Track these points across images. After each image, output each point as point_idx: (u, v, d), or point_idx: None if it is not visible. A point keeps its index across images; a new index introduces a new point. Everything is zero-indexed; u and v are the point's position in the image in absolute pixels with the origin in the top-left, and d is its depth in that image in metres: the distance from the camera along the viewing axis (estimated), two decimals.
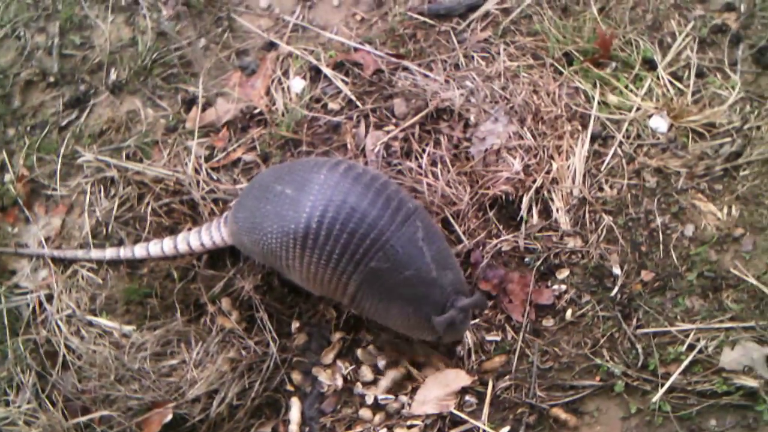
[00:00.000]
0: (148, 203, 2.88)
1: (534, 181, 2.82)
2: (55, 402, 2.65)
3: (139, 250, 2.76)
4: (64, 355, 2.71)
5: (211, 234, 2.67)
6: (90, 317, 2.76)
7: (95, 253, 2.81)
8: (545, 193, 2.83)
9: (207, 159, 2.96)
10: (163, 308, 2.75)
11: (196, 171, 2.91)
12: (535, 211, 2.84)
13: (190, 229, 2.81)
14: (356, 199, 2.33)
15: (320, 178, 2.36)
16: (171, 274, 2.77)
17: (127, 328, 2.73)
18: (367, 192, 2.36)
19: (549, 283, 2.75)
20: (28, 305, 2.80)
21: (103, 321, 2.76)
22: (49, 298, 2.80)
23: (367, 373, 2.68)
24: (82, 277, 2.81)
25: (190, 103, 3.10)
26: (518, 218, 2.81)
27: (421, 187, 2.80)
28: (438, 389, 2.61)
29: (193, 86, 3.11)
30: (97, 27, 3.27)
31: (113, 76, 3.16)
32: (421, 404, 2.60)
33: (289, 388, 2.72)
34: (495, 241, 2.78)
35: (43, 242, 2.90)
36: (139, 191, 2.90)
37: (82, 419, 2.62)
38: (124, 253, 2.78)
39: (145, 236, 2.83)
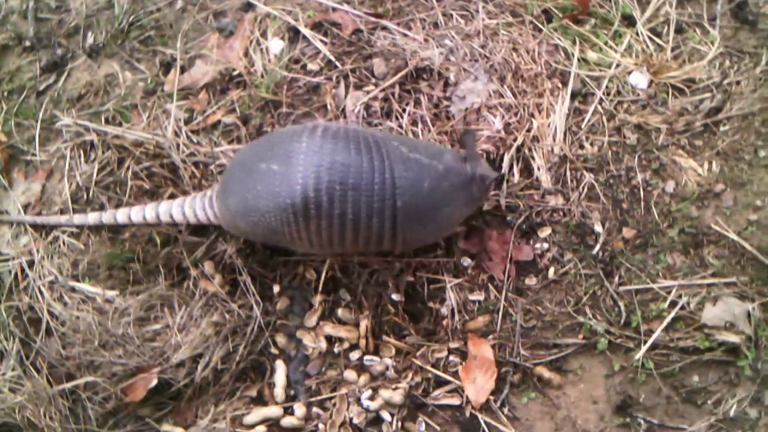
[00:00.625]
0: (128, 167, 2.85)
1: (515, 140, 2.80)
2: (40, 369, 2.64)
3: (121, 216, 2.73)
4: (47, 322, 2.70)
5: (195, 211, 2.63)
6: (72, 283, 2.75)
7: (77, 219, 2.79)
8: (526, 151, 2.81)
9: (186, 122, 2.93)
10: (146, 273, 2.74)
11: (176, 134, 2.87)
12: (516, 169, 2.83)
13: (172, 197, 2.78)
14: (343, 155, 2.32)
15: (302, 146, 2.33)
16: (153, 238, 2.75)
17: (110, 293, 2.71)
18: (349, 144, 2.35)
19: (530, 241, 2.74)
20: (10, 272, 2.77)
21: (85, 286, 2.74)
22: (31, 264, 2.78)
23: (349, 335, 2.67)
24: (64, 243, 2.79)
25: (168, 65, 3.06)
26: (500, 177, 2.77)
27: None
28: None
29: (171, 49, 3.08)
30: None
31: (90, 39, 3.13)
32: None
33: (274, 351, 2.73)
34: None
35: (20, 209, 2.89)
36: (119, 155, 2.87)
37: (67, 386, 2.62)
38: (105, 218, 2.75)
39: (126, 200, 2.81)
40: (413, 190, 2.37)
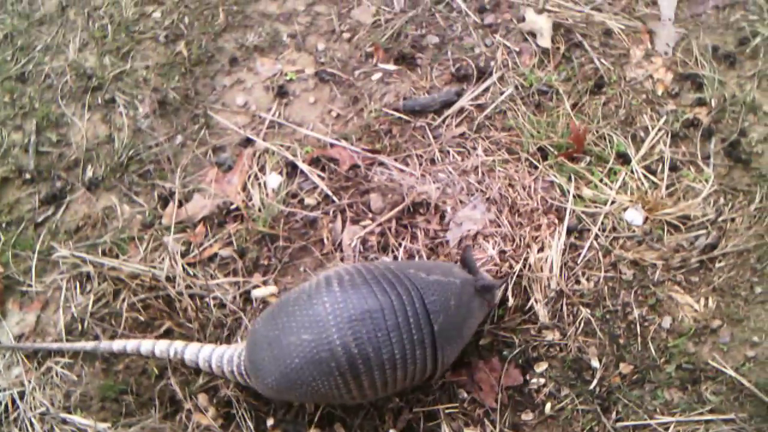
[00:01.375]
0: (124, 299, 2.94)
1: (510, 267, 2.92)
2: None
3: (144, 347, 2.83)
4: None
5: (223, 369, 2.72)
6: (64, 414, 2.80)
7: (104, 345, 2.87)
8: (524, 284, 2.89)
9: (183, 255, 3.04)
10: (139, 405, 2.80)
11: (172, 267, 2.97)
12: (511, 301, 2.90)
13: (168, 330, 2.93)
14: (371, 300, 2.37)
15: (326, 307, 2.35)
16: (147, 370, 2.82)
17: (102, 426, 2.76)
18: (371, 287, 2.43)
19: (526, 375, 2.79)
20: (0, 403, 2.83)
21: (77, 418, 2.79)
22: (22, 395, 2.84)
23: None
24: (56, 374, 2.86)
25: (166, 199, 3.20)
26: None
27: None
28: None
29: (170, 182, 3.21)
30: (73, 124, 3.38)
31: (89, 172, 3.26)
32: None
33: None
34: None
35: (11, 338, 2.96)
36: (115, 287, 2.97)
37: None
38: (130, 346, 2.83)
39: (120, 332, 2.89)
40: (445, 311, 2.47)
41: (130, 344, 2.82)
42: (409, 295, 2.43)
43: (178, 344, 2.79)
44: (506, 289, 2.91)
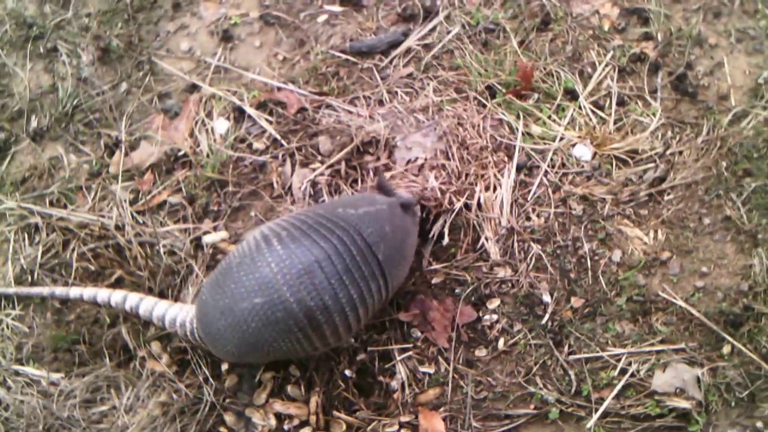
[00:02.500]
0: (73, 249, 2.92)
1: (451, 203, 2.94)
2: None
3: (101, 295, 2.83)
4: None
5: (177, 326, 2.71)
6: (16, 366, 2.80)
7: (59, 291, 2.87)
8: (474, 221, 2.91)
9: (132, 203, 3.04)
10: (92, 354, 2.80)
11: (121, 215, 2.96)
12: (464, 242, 2.93)
13: (119, 279, 2.93)
14: (316, 250, 2.39)
15: (272, 267, 2.35)
16: (99, 319, 2.82)
17: (55, 376, 2.77)
18: (311, 237, 2.44)
19: (478, 311, 2.82)
20: None
21: (30, 370, 2.80)
22: None
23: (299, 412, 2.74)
24: (7, 326, 2.85)
25: (112, 147, 3.19)
26: (429, 236, 2.94)
27: None
28: None
29: (116, 131, 3.19)
30: (15, 75, 3.34)
31: (34, 123, 3.23)
32: None
33: (223, 430, 2.77)
34: (423, 273, 2.88)
35: None
36: (64, 237, 2.96)
37: None
38: (86, 294, 2.84)
39: (71, 282, 2.87)
40: (383, 238, 2.49)
41: (86, 292, 2.82)
42: (348, 234, 2.44)
43: (133, 298, 2.78)
44: (443, 225, 2.94)
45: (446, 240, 2.92)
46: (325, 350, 2.61)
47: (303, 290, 2.32)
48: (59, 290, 2.85)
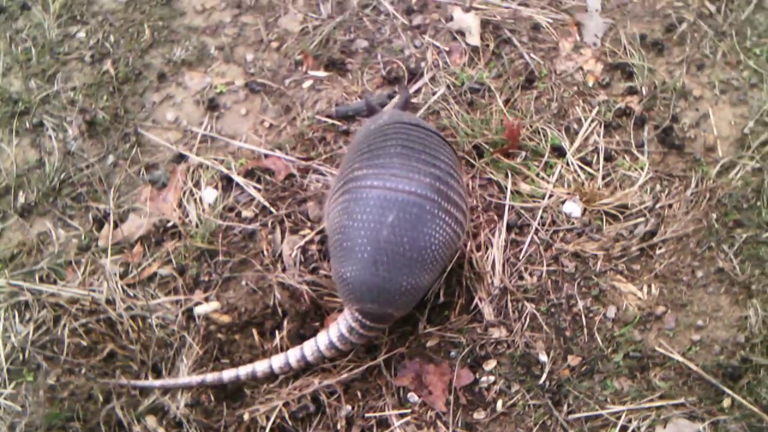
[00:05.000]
0: (64, 325, 2.89)
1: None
2: None
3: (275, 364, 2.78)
4: None
5: (343, 329, 2.71)
6: None
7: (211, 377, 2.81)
8: (467, 283, 2.90)
9: (122, 276, 3.01)
10: (87, 431, 2.74)
11: (112, 289, 2.94)
12: (458, 304, 2.91)
13: (111, 353, 2.88)
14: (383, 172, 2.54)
15: (366, 201, 2.50)
16: (93, 395, 2.77)
17: None
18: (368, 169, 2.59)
19: (475, 373, 2.79)
20: None
21: None
22: None
23: None
24: (0, 406, 2.80)
25: (101, 221, 3.16)
26: (425, 299, 2.87)
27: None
28: None
29: (104, 204, 3.17)
30: (2, 151, 3.34)
31: (21, 198, 3.22)
32: None
33: None
34: (419, 336, 2.84)
35: None
36: (55, 313, 2.92)
37: None
38: (242, 371, 2.79)
39: (63, 359, 2.83)
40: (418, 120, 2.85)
41: (242, 371, 2.78)
42: (395, 130, 2.73)
43: (295, 351, 2.77)
44: (438, 286, 2.90)
45: (441, 299, 2.89)
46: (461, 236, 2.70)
47: (403, 188, 2.47)
48: (210, 377, 2.79)
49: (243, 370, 2.76)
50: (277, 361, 2.76)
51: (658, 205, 3.06)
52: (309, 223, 3.06)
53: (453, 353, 2.84)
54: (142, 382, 2.81)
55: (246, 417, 2.74)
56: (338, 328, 2.70)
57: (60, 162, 3.28)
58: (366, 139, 2.72)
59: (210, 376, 2.77)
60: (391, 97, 3.37)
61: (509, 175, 3.15)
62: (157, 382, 2.80)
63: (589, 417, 2.73)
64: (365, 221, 2.46)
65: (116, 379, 2.78)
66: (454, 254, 2.77)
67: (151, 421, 2.75)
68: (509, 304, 2.92)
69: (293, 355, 2.75)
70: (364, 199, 2.49)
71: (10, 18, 3.72)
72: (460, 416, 2.75)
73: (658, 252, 2.99)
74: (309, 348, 2.74)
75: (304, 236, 3.02)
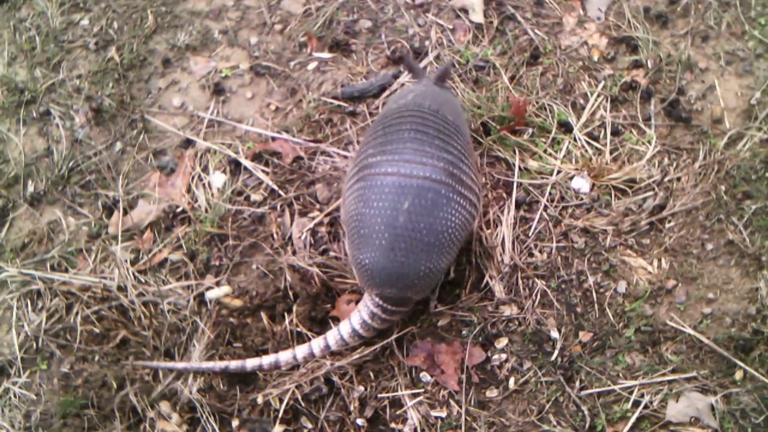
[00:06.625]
0: (77, 313, 2.89)
1: None
2: None
3: (283, 357, 2.80)
4: None
5: (365, 316, 2.73)
6: None
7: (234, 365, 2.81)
8: (477, 261, 2.89)
9: (133, 262, 3.01)
10: (101, 418, 2.75)
11: (123, 276, 2.93)
12: (468, 282, 2.90)
13: (124, 340, 2.88)
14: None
15: (381, 189, 2.51)
16: (107, 382, 2.78)
17: None
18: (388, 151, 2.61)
19: (487, 351, 2.78)
20: None
21: None
22: None
23: None
24: (15, 395, 2.81)
25: (110, 208, 3.16)
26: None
27: (350, 272, 2.89)
28: None
29: (113, 191, 3.16)
30: (9, 140, 3.33)
31: (31, 187, 3.21)
32: None
33: None
34: (430, 316, 2.84)
35: None
36: (67, 301, 2.92)
37: None
38: (266, 361, 2.81)
39: (76, 346, 2.83)
40: (442, 105, 2.80)
41: (265, 360, 2.79)
42: (417, 114, 2.72)
43: (317, 341, 2.79)
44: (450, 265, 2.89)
45: (452, 275, 2.89)
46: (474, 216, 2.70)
47: (417, 173, 2.49)
48: (234, 364, 2.80)
49: (266, 360, 2.78)
50: (300, 351, 2.77)
51: (666, 179, 3.04)
52: (318, 205, 3.05)
53: (464, 332, 2.83)
54: (165, 363, 2.82)
55: (260, 400, 2.74)
56: (360, 315, 2.70)
57: (68, 150, 3.27)
58: (383, 120, 2.72)
59: (233, 363, 2.78)
60: (396, 76, 3.34)
61: (516, 152, 3.14)
62: (180, 365, 2.81)
63: (601, 392, 2.73)
64: (381, 208, 2.47)
65: (129, 364, 2.76)
66: (469, 236, 2.77)
67: (164, 406, 2.75)
68: (520, 281, 2.91)
69: (317, 345, 2.77)
70: (380, 187, 2.49)
71: (13, 7, 3.71)
72: (473, 395, 2.75)
73: (667, 226, 2.97)
74: (333, 337, 2.75)
75: (313, 218, 3.02)
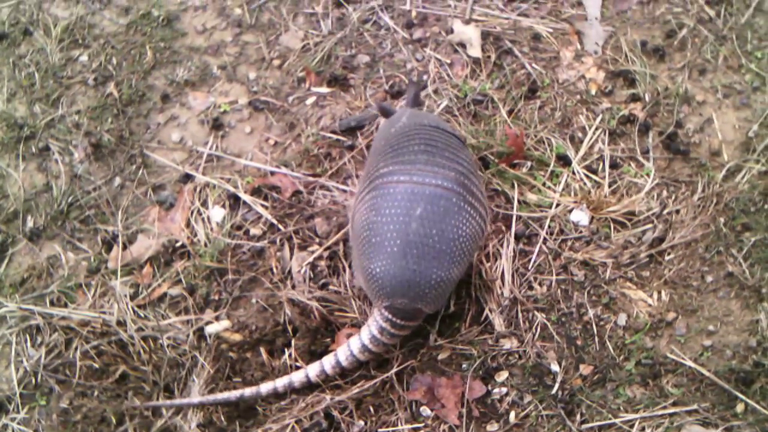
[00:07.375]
0: (76, 348, 2.88)
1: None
2: None
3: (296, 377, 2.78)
4: None
5: (375, 331, 2.72)
6: None
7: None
8: (477, 294, 2.89)
9: (132, 297, 3.00)
10: None
11: (122, 311, 2.92)
12: (468, 316, 2.90)
13: (123, 375, 2.87)
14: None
15: (391, 207, 2.51)
16: (106, 418, 2.76)
17: None
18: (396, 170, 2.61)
19: (487, 386, 2.77)
20: None
21: None
22: None
23: None
24: (14, 431, 2.78)
25: (110, 242, 3.15)
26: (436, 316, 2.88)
27: (350, 306, 2.87)
28: None
29: (112, 225, 3.16)
30: (9, 176, 3.33)
31: (30, 223, 3.21)
32: None
33: None
34: (430, 349, 2.82)
35: None
36: (66, 336, 2.91)
37: None
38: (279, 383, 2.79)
39: (76, 382, 2.82)
40: (437, 120, 2.93)
41: (279, 382, 2.78)
42: (412, 127, 2.78)
43: (328, 358, 2.77)
44: (450, 298, 2.89)
45: (452, 308, 2.89)
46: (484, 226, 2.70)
47: (430, 181, 2.52)
48: (249, 391, 2.78)
49: (280, 382, 2.76)
50: (313, 370, 2.75)
51: (665, 211, 3.04)
52: (317, 239, 3.05)
53: (465, 365, 2.81)
54: (179, 401, 2.80)
55: None
56: (369, 330, 2.70)
57: (67, 185, 3.27)
58: (388, 142, 2.74)
59: (248, 391, 2.76)
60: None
61: (515, 185, 3.14)
62: (195, 400, 2.79)
63: (602, 426, 2.71)
64: (393, 215, 2.48)
65: (129, 401, 2.75)
66: (477, 251, 2.78)
67: None
68: (519, 315, 2.90)
69: (328, 362, 2.75)
70: (392, 194, 2.51)
71: (12, 44, 3.71)
72: (474, 429, 2.73)
73: (666, 258, 2.97)
74: (343, 353, 2.74)
75: (312, 252, 3.01)
